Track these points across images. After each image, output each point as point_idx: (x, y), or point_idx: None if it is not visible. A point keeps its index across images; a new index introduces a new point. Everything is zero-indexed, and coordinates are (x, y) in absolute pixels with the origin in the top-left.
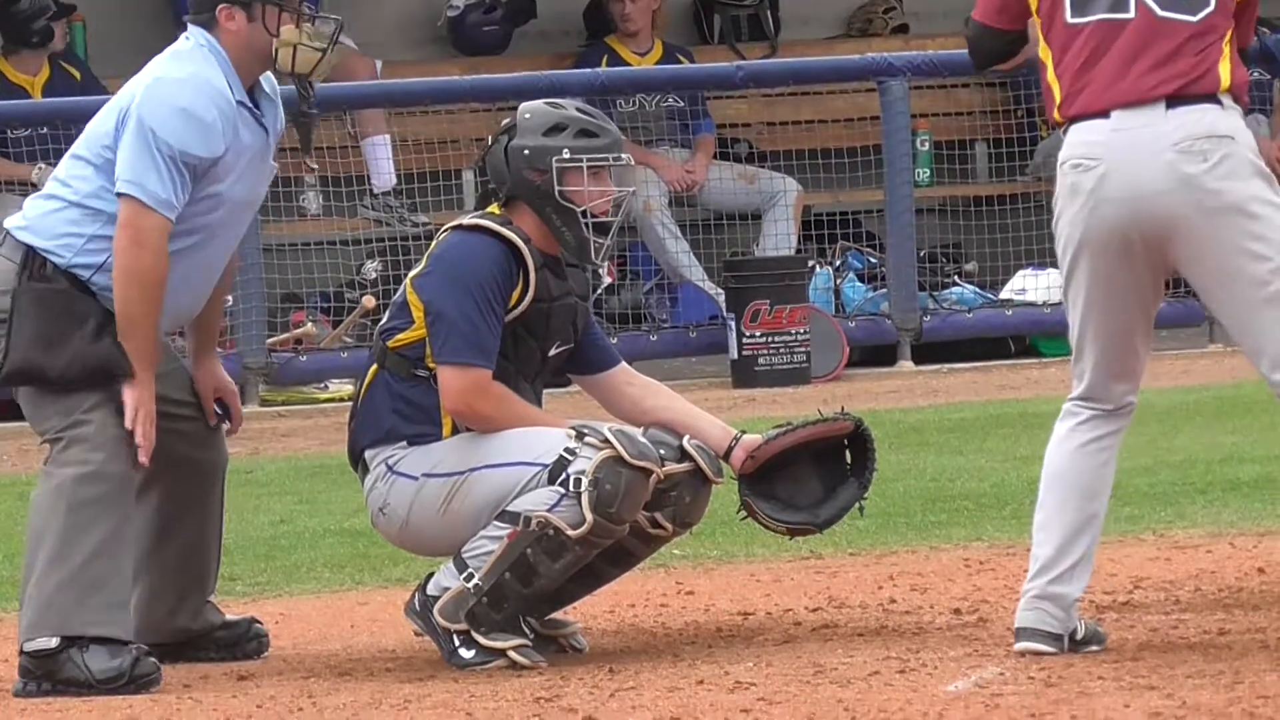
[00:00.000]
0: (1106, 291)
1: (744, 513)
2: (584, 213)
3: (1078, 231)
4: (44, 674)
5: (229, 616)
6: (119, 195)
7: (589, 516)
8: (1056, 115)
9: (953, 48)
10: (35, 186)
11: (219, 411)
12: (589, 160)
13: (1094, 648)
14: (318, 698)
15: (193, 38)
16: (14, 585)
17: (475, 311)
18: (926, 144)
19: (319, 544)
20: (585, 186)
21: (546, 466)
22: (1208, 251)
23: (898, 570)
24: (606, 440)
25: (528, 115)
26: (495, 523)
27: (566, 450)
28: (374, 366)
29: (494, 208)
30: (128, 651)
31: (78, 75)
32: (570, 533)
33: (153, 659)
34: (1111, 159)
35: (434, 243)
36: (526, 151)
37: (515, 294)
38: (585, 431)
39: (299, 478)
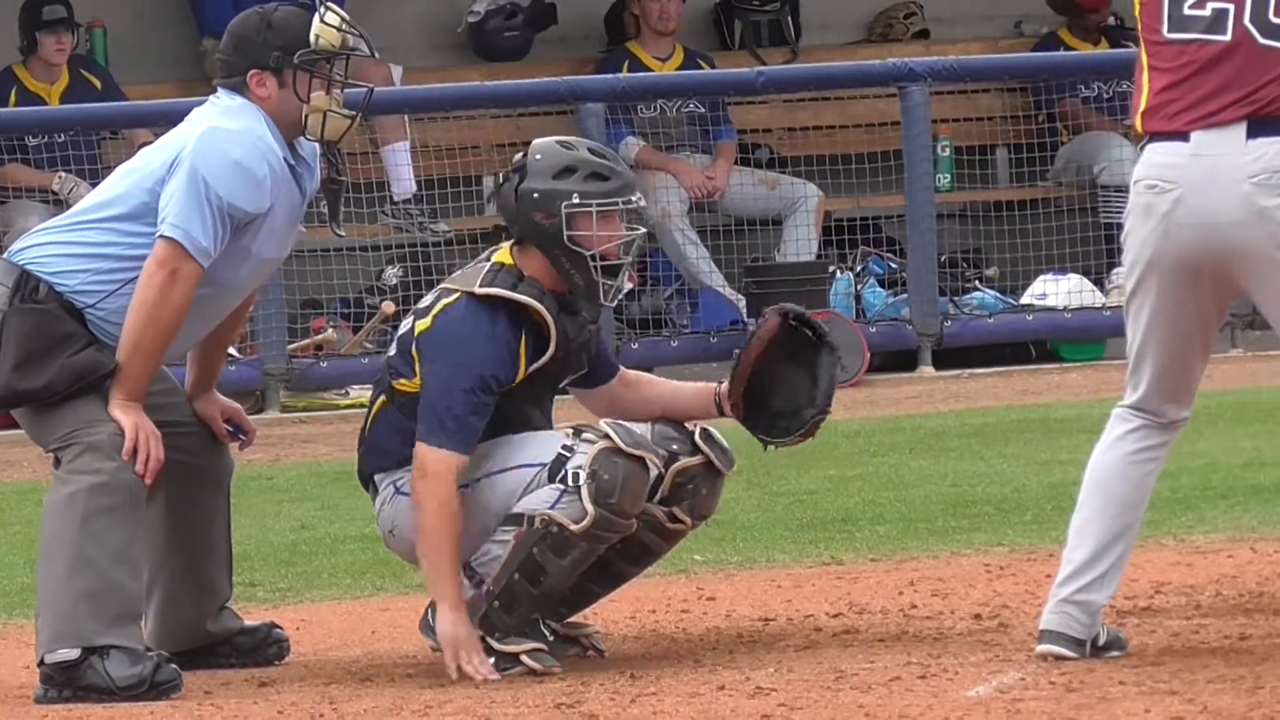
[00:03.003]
0: (1172, 313)
1: (769, 447)
2: (593, 256)
3: (1148, 252)
4: (65, 681)
5: (248, 622)
6: (162, 236)
7: (590, 509)
8: (1138, 123)
9: (974, 53)
10: (56, 194)
11: (231, 429)
12: (599, 206)
13: (1115, 653)
14: (339, 704)
15: (224, 99)
16: (35, 593)
17: (465, 401)
18: (947, 149)
19: (340, 550)
20: (594, 231)
21: (546, 465)
22: (1277, 283)
23: (918, 576)
24: (603, 434)
25: (538, 156)
26: (501, 528)
27: (564, 448)
28: (382, 398)
29: (505, 250)
30: (149, 658)
31: (98, 83)
32: (573, 527)
33: (173, 665)
34: (1188, 184)
35: (442, 302)
36: (536, 195)
37: (525, 350)
38: (582, 428)
39: (319, 484)
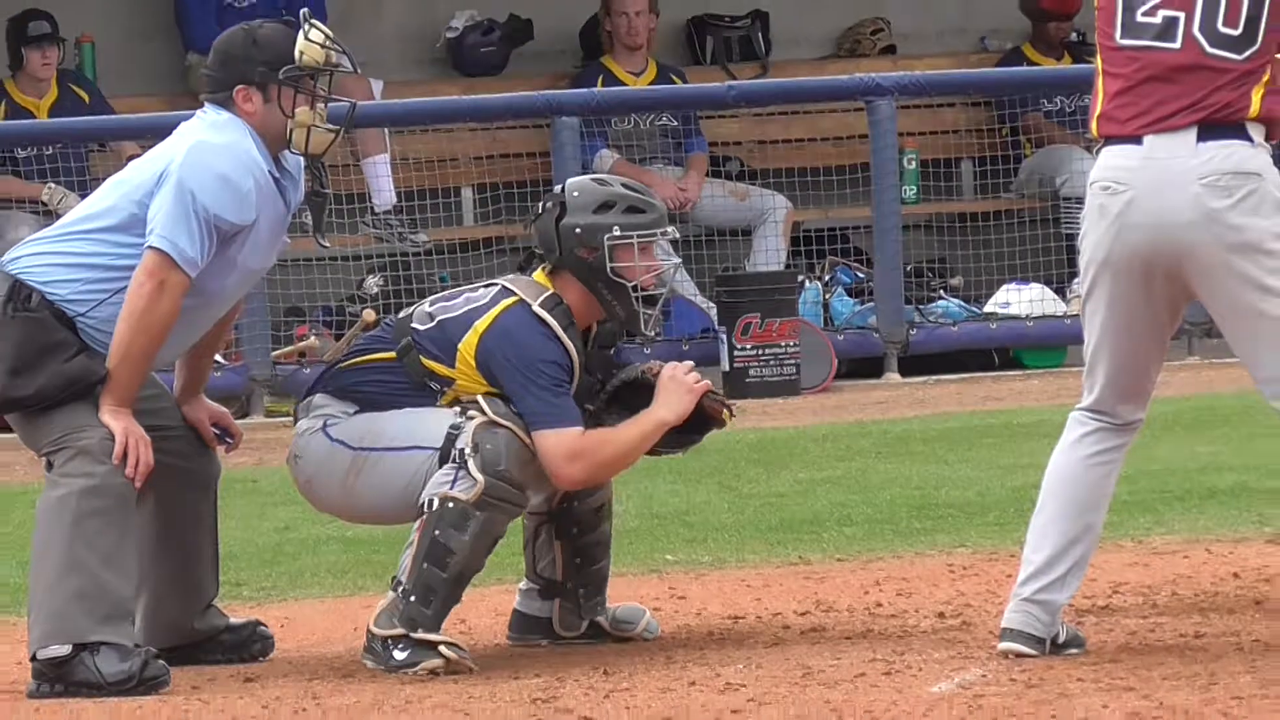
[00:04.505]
0: (1124, 313)
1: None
2: (634, 287)
3: (1101, 252)
4: (57, 677)
5: (234, 620)
6: (150, 247)
7: (480, 478)
8: (1094, 127)
9: (940, 68)
10: (45, 205)
11: (218, 433)
12: (639, 237)
13: (1074, 651)
14: (322, 699)
15: (211, 114)
16: (28, 592)
17: (548, 388)
18: (913, 162)
19: (322, 550)
20: (636, 262)
21: (437, 450)
22: (1224, 283)
23: (884, 575)
24: (479, 407)
25: (576, 193)
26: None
27: (452, 427)
28: (390, 354)
29: (540, 275)
30: (137, 654)
31: (85, 97)
32: (466, 498)
33: (161, 661)
34: (1140, 186)
35: (503, 303)
36: (578, 230)
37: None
38: (467, 405)
39: None
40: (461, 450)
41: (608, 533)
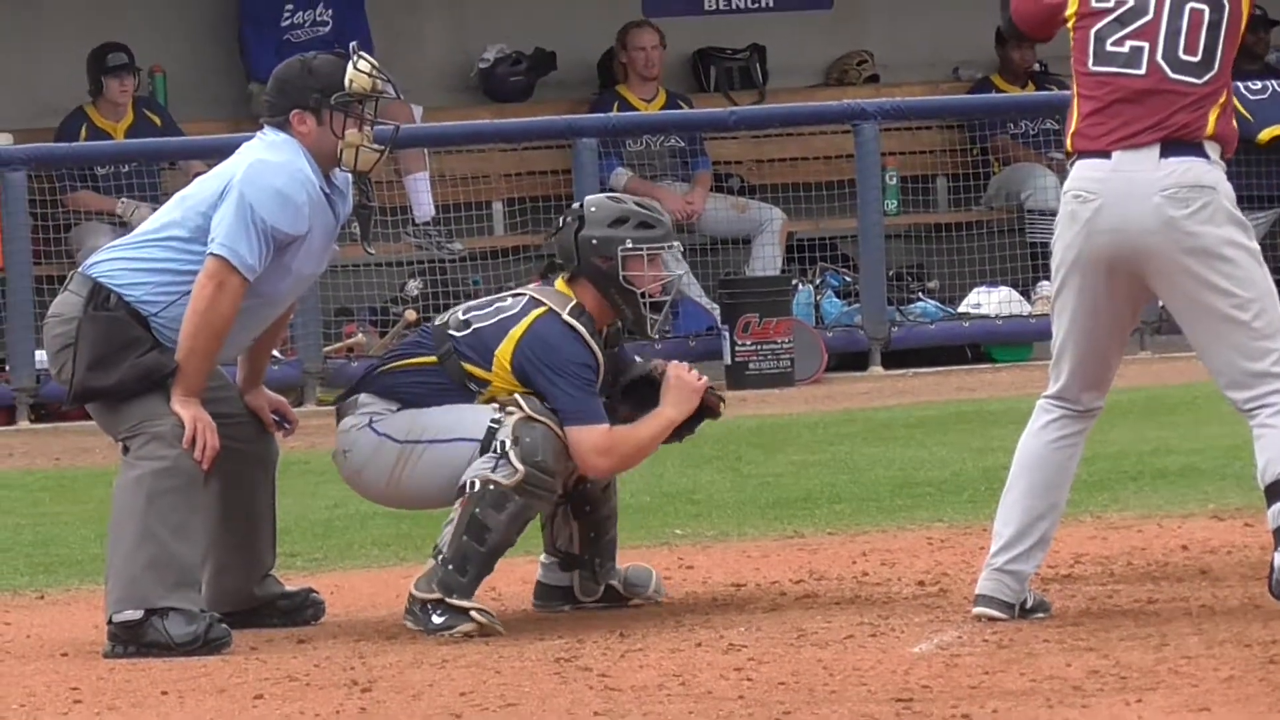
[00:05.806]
0: (1090, 309)
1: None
2: (643, 294)
3: (1071, 253)
4: (130, 639)
5: (289, 587)
6: (212, 254)
7: (520, 467)
8: (1068, 143)
9: (918, 95)
10: (120, 217)
11: (276, 419)
12: (649, 249)
13: (1040, 615)
14: (367, 658)
15: (269, 135)
16: (105, 562)
17: (582, 388)
18: (894, 178)
19: (368, 525)
20: (645, 271)
21: (479, 442)
22: (1181, 284)
23: (870, 547)
24: (518, 404)
25: (594, 208)
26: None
27: (493, 421)
28: (431, 358)
29: (560, 282)
30: (203, 618)
31: (158, 121)
32: (506, 483)
33: (224, 625)
34: (1108, 195)
35: (534, 312)
36: (595, 241)
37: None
38: (505, 402)
39: None
40: (502, 442)
41: (615, 506)
